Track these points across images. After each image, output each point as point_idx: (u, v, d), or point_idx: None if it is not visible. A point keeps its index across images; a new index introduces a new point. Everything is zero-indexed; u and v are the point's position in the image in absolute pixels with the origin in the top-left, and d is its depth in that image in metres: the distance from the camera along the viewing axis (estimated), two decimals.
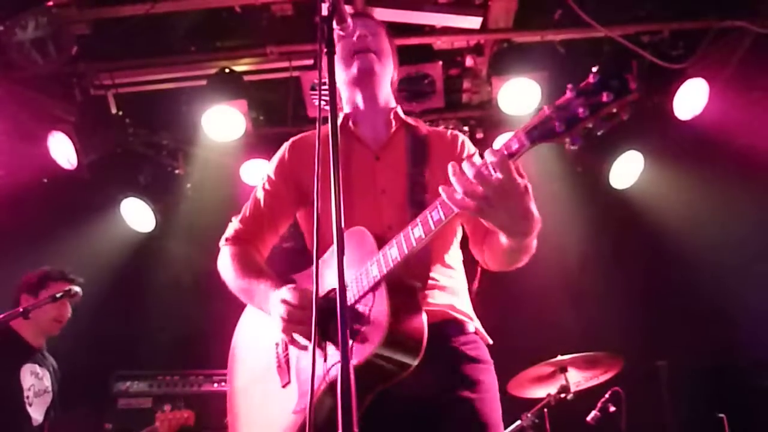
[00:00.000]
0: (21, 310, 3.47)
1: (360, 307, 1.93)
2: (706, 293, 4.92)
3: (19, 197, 4.67)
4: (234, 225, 2.46)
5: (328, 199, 2.16)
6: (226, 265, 2.37)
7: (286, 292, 2.00)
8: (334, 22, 1.85)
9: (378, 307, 1.88)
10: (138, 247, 5.53)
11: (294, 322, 1.95)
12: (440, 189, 1.75)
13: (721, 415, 4.43)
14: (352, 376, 1.45)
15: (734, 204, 4.93)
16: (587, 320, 5.15)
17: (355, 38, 2.31)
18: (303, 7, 4.49)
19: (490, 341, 2.22)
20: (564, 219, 4.96)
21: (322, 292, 2.02)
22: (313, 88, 4.62)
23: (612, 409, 4.34)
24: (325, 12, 1.85)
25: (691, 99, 4.59)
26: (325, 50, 1.79)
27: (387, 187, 2.21)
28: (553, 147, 5.22)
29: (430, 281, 2.09)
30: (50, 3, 4.19)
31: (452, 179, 1.72)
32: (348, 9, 1.91)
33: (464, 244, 2.35)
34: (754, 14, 4.33)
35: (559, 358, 4.22)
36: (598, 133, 1.61)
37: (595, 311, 5.22)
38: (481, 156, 1.75)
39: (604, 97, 1.56)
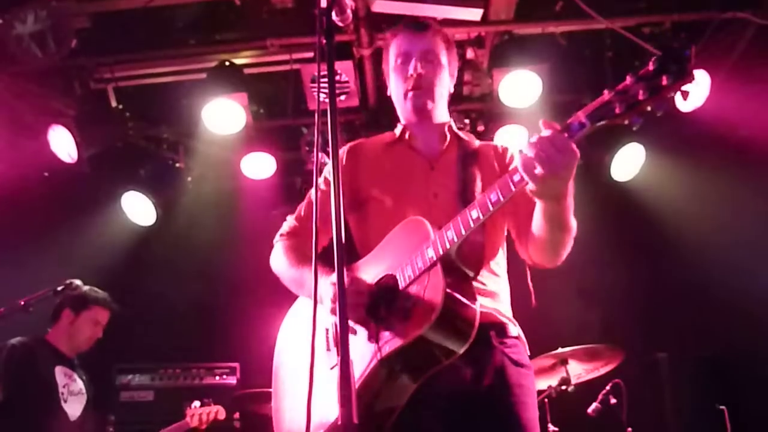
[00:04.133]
0: (22, 303, 3.55)
1: (415, 288, 1.98)
2: (706, 285, 4.91)
3: (20, 191, 4.67)
4: (289, 222, 2.53)
5: (381, 201, 2.29)
6: (279, 257, 2.45)
7: (335, 276, 2.04)
8: (333, 14, 1.85)
9: (433, 287, 1.92)
10: (139, 240, 5.53)
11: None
12: (516, 156, 1.80)
13: (722, 406, 4.44)
14: (352, 372, 1.46)
15: (735, 196, 4.91)
16: (588, 312, 5.15)
17: (409, 74, 2.37)
18: None
19: (528, 350, 2.26)
20: None
21: (374, 281, 2.12)
22: (313, 81, 4.61)
23: (613, 401, 4.35)
24: (324, 4, 1.84)
25: (692, 91, 4.57)
26: (324, 42, 1.79)
27: (439, 191, 2.28)
28: None
29: (479, 285, 2.13)
30: None
31: (526, 147, 1.77)
32: (349, 2, 1.90)
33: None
34: (757, 6, 4.31)
35: (560, 350, 4.22)
36: (658, 114, 1.66)
37: (595, 303, 5.22)
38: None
39: (664, 81, 1.60)
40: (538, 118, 1.77)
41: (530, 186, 1.79)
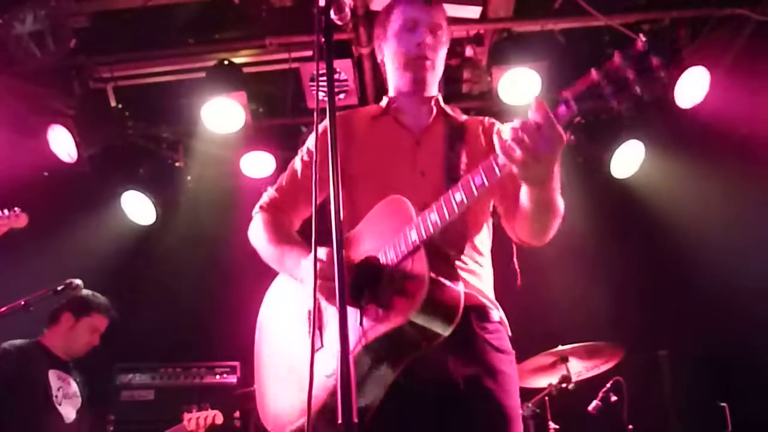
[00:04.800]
0: (22, 302, 3.56)
1: (398, 271, 1.95)
2: (707, 282, 4.91)
3: (19, 191, 4.67)
4: (269, 193, 2.48)
5: (368, 178, 2.26)
6: (257, 231, 2.40)
7: (320, 251, 2.00)
8: (332, 12, 1.85)
9: (417, 271, 1.88)
10: (138, 240, 5.54)
11: (329, 278, 1.92)
12: (494, 138, 1.75)
13: (723, 404, 4.44)
14: (352, 367, 1.45)
15: (735, 192, 4.91)
16: (588, 310, 5.14)
17: (417, 43, 2.33)
18: None
19: (510, 333, 2.24)
20: (564, 209, 4.94)
21: (356, 260, 2.07)
22: (312, 79, 4.61)
23: (613, 398, 4.35)
24: (322, 2, 1.85)
25: (692, 87, 4.56)
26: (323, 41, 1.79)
27: (426, 169, 2.25)
28: None
29: (461, 264, 2.11)
30: None
31: (506, 130, 1.73)
32: (347, 0, 1.90)
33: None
34: (755, 2, 4.31)
35: (560, 348, 4.22)
36: (646, 99, 1.61)
37: (596, 301, 5.21)
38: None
39: (653, 61, 1.56)
40: None
41: (513, 170, 1.75)
